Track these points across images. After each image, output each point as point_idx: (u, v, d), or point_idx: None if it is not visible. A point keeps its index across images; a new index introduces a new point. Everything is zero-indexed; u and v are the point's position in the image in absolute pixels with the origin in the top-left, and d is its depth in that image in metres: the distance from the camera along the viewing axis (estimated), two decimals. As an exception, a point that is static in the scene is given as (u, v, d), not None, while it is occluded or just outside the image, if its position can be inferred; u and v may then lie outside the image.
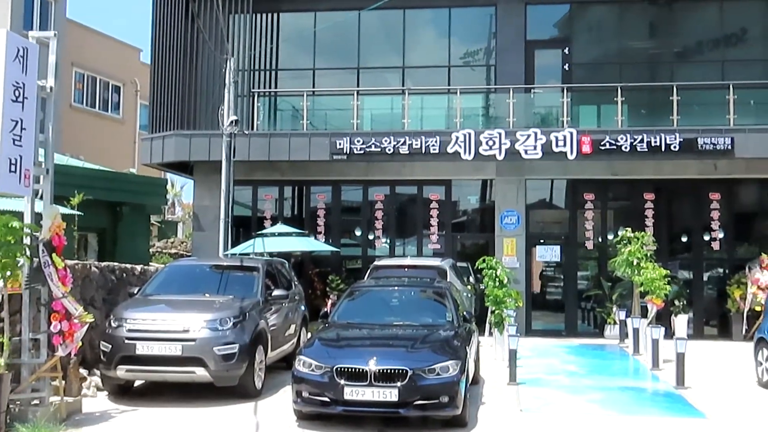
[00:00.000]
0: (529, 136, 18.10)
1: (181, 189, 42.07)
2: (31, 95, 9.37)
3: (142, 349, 10.54)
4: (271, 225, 19.53)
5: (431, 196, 20.42)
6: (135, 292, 12.23)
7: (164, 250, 27.55)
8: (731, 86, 18.57)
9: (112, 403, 10.79)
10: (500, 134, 18.18)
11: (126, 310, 11.13)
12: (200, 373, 10.62)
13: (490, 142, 18.16)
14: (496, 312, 15.32)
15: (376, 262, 16.96)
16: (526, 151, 18.11)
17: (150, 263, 19.58)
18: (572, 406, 10.88)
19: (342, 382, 9.01)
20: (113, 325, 10.87)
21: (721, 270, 19.99)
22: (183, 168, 21.31)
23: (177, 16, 20.82)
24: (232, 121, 17.46)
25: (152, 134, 20.73)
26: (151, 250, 25.35)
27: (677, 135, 17.85)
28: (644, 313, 16.39)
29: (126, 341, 10.59)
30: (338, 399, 9.03)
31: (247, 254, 15.98)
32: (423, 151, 18.41)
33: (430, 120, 20.02)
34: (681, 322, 17.66)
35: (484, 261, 15.64)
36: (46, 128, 9.93)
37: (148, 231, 25.09)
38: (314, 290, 20.04)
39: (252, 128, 19.80)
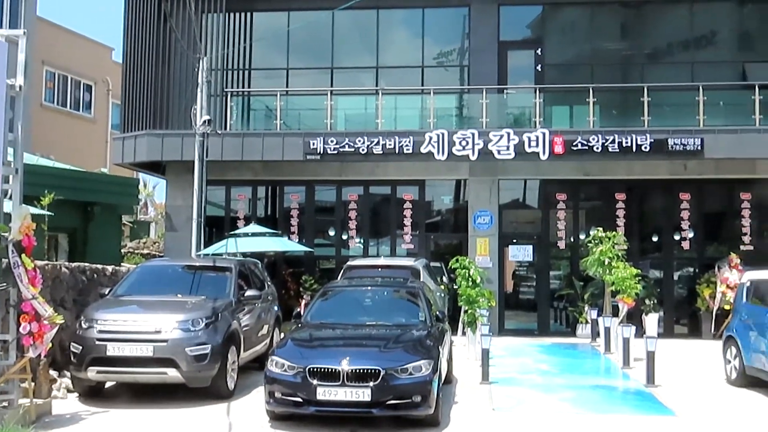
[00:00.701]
0: (502, 136, 18.20)
1: (154, 189, 41.73)
2: (0, 94, 9.25)
3: (114, 350, 10.45)
4: (245, 225, 19.43)
5: (405, 196, 20.45)
6: (106, 292, 12.12)
7: (136, 251, 27.33)
8: (701, 87, 18.79)
9: (82, 404, 10.68)
10: (473, 134, 18.26)
11: (97, 311, 11.04)
12: (172, 374, 10.56)
13: (464, 143, 18.23)
14: (469, 311, 15.39)
15: (349, 262, 16.95)
16: (499, 152, 18.21)
17: (122, 264, 19.43)
18: (544, 405, 10.96)
19: (315, 382, 9.00)
20: (84, 326, 10.77)
21: (691, 269, 20.23)
22: (155, 168, 21.16)
23: (149, 15, 20.67)
24: (205, 121, 17.38)
25: (124, 134, 20.57)
26: (122, 250, 25.15)
27: (648, 136, 18.03)
28: (615, 312, 16.55)
29: (97, 342, 10.50)
30: (311, 399, 9.03)
31: (220, 254, 15.90)
32: (397, 151, 18.44)
33: (404, 120, 20.06)
34: (651, 321, 17.85)
35: (457, 261, 15.71)
36: (15, 127, 9.81)
37: (120, 231, 24.88)
38: (288, 290, 19.98)
39: (225, 128, 19.71)
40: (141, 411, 10.38)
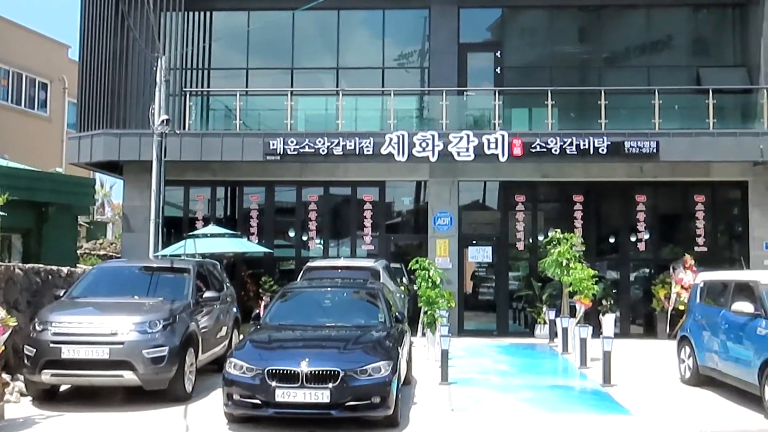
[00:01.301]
0: (461, 138, 18.30)
1: (111, 189, 41.24)
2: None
3: (68, 352, 10.29)
4: (203, 226, 19.30)
5: (365, 197, 20.46)
6: (61, 294, 11.92)
7: (93, 252, 26.94)
8: (657, 91, 19.09)
9: (36, 408, 10.52)
10: (433, 136, 18.34)
11: (51, 313, 10.86)
12: (128, 377, 10.44)
13: (424, 144, 18.30)
14: (429, 312, 15.44)
15: (309, 263, 16.90)
16: (458, 153, 18.31)
17: (77, 265, 19.13)
18: (502, 405, 11.04)
19: (273, 384, 8.97)
20: (38, 328, 10.59)
21: (647, 270, 20.52)
22: (112, 168, 20.89)
23: (106, 13, 20.38)
24: (163, 121, 17.20)
25: (80, 133, 20.26)
26: (78, 251, 24.77)
27: (605, 138, 18.27)
28: (573, 312, 16.73)
29: (51, 345, 10.33)
30: (270, 401, 9.00)
31: (178, 256, 15.74)
32: (357, 152, 18.45)
33: (365, 121, 20.06)
34: (608, 322, 18.05)
35: (417, 262, 15.74)
36: (-34, 126, 9.61)
37: (76, 232, 24.47)
38: (247, 292, 19.86)
39: (184, 128, 19.51)
40: (96, 414, 10.24)
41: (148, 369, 10.43)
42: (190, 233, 17.57)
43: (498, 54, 20.88)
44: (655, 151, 18.23)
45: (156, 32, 18.70)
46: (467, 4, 20.84)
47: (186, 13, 20.74)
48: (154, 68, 17.95)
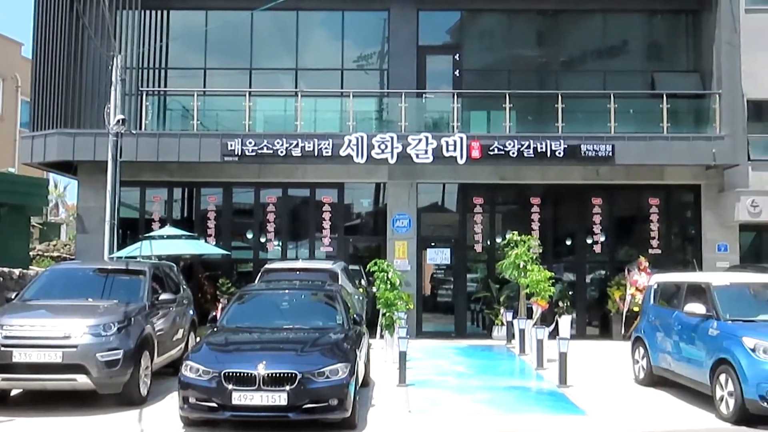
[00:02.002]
0: (420, 140, 18.35)
1: (65, 190, 40.62)
2: None
3: (20, 356, 10.11)
4: (160, 227, 19.05)
5: (324, 198, 20.41)
6: (12, 297, 11.75)
7: (46, 253, 26.47)
8: (612, 96, 19.33)
9: (-15, 413, 10.31)
10: (392, 138, 18.37)
11: (2, 316, 10.64)
12: (82, 381, 10.28)
13: (383, 146, 18.31)
14: (387, 314, 15.45)
15: (267, 265, 16.81)
16: (417, 155, 18.36)
17: (30, 267, 18.82)
18: (460, 406, 11.09)
19: (230, 387, 8.91)
20: (-12, 331, 10.36)
21: (602, 272, 20.76)
22: (66, 168, 20.52)
23: (61, 10, 20.03)
24: (118, 120, 16.98)
25: (33, 132, 19.88)
26: (31, 253, 24.33)
27: (562, 142, 18.46)
28: (530, 314, 16.88)
29: (2, 348, 10.13)
30: (226, 404, 8.94)
31: (134, 257, 15.54)
32: (316, 153, 18.40)
33: (324, 123, 19.99)
34: (564, 323, 18.26)
35: (375, 264, 15.74)
36: None
37: (28, 233, 24.05)
38: (204, 294, 19.66)
39: (140, 128, 19.29)
40: (49, 419, 10.05)
41: (102, 372, 10.28)
42: (146, 235, 17.37)
43: (457, 57, 20.98)
44: (610, 154, 18.48)
45: (112, 30, 18.46)
46: (426, 7, 20.90)
47: (142, 11, 20.47)
48: (110, 67, 17.73)
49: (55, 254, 26.67)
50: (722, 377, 10.40)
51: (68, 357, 10.16)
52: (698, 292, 11.75)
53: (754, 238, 20.78)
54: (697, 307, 11.27)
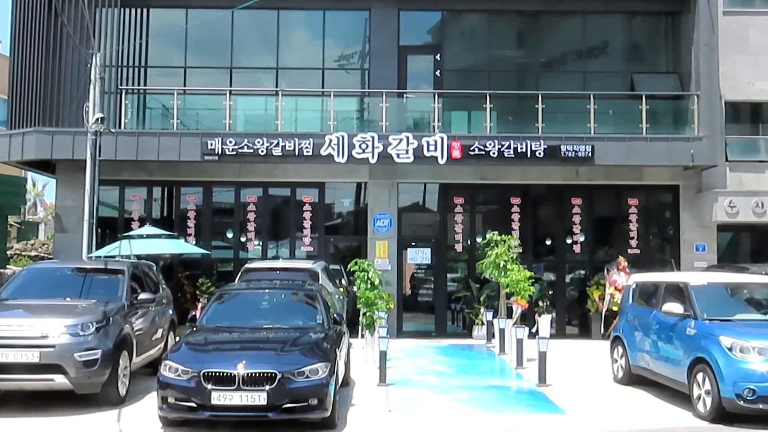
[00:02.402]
0: (401, 140, 18.37)
1: (43, 188, 40.31)
2: None
3: (-4, 356, 10.00)
4: (139, 227, 18.93)
5: (304, 198, 20.37)
6: (-11, 296, 11.60)
7: (24, 253, 26.28)
8: (592, 96, 19.47)
9: (-39, 414, 10.20)
10: (373, 138, 18.36)
11: (-21, 316, 10.53)
12: (60, 381, 10.20)
13: (363, 146, 18.31)
14: (368, 314, 15.46)
15: (247, 265, 16.77)
16: (398, 155, 18.37)
17: (7, 266, 18.65)
18: (440, 406, 11.11)
19: (209, 386, 8.87)
20: (-36, 331, 10.26)
21: (582, 272, 20.86)
22: (45, 166, 20.37)
23: (39, 8, 19.87)
24: (97, 119, 16.88)
25: (11, 130, 19.69)
26: (8, 252, 24.13)
27: (542, 142, 18.54)
28: (510, 313, 16.95)
29: (-22, 348, 10.02)
30: (205, 404, 8.90)
31: (113, 257, 15.44)
32: (296, 153, 18.36)
33: (304, 122, 19.96)
34: (544, 322, 18.33)
35: (356, 263, 15.73)
36: None
37: (6, 232, 23.86)
38: (184, 294, 19.59)
39: (119, 126, 19.16)
40: (25, 420, 9.96)
41: (80, 372, 10.21)
42: (126, 234, 17.25)
43: (438, 57, 21.02)
44: (590, 154, 18.58)
45: (91, 28, 18.35)
46: (407, 7, 20.91)
47: (122, 9, 20.37)
48: (89, 65, 17.61)
49: (33, 253, 26.49)
50: (699, 376, 10.50)
51: (46, 357, 10.08)
52: (676, 291, 11.85)
53: (732, 238, 20.99)
54: (675, 307, 11.36)
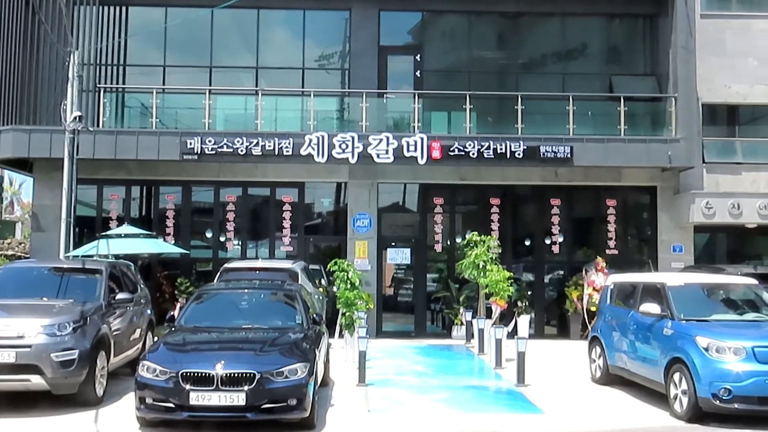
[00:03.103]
0: (381, 140, 18.37)
1: (20, 187, 39.95)
2: None
3: (-29, 356, 9.90)
4: (117, 226, 18.82)
5: (284, 198, 20.34)
6: (-36, 296, 11.47)
7: (0, 252, 26.01)
8: (571, 98, 19.58)
9: (-65, 415, 10.09)
10: (353, 138, 18.36)
11: (-47, 316, 10.43)
12: (36, 381, 10.12)
13: (343, 146, 18.30)
14: (347, 314, 15.46)
15: (226, 265, 16.71)
16: (378, 155, 18.37)
17: (-17, 265, 18.42)
18: (419, 406, 11.12)
19: (187, 387, 8.84)
20: (-62, 332, 10.14)
21: (561, 272, 20.97)
22: (22, 165, 20.20)
23: (16, 4, 19.70)
24: (75, 117, 16.74)
25: (-13, 128, 19.50)
26: (-16, 251, 23.87)
27: (521, 143, 18.61)
28: (489, 314, 17.00)
29: (-48, 349, 9.92)
30: (183, 404, 8.87)
31: (91, 256, 15.33)
32: (276, 152, 18.32)
33: (284, 122, 19.91)
34: (523, 323, 18.42)
35: (336, 263, 15.72)
36: None
37: (-18, 231, 23.61)
38: (162, 293, 19.50)
39: (97, 125, 19.02)
40: (0, 420, 9.86)
41: (56, 373, 10.13)
42: (104, 233, 17.12)
43: (418, 57, 21.06)
44: (569, 156, 18.68)
45: (69, 26, 18.19)
46: (388, 7, 20.93)
47: (100, 6, 20.24)
48: (67, 63, 17.44)
49: (10, 253, 26.24)
50: (676, 376, 10.58)
51: (22, 357, 9.99)
52: (653, 292, 11.94)
53: (709, 239, 21.18)
54: (652, 307, 11.45)
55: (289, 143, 18.30)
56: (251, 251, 20.38)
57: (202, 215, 20.97)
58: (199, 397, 8.82)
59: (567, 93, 19.95)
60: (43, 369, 10.06)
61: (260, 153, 18.32)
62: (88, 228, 19.77)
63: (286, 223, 20.20)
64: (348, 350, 15.24)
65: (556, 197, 20.61)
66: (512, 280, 16.99)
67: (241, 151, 18.27)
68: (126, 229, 17.32)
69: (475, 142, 18.56)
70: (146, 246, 17.34)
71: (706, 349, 10.18)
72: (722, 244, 21.50)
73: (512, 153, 18.54)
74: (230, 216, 20.28)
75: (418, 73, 20.94)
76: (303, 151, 18.29)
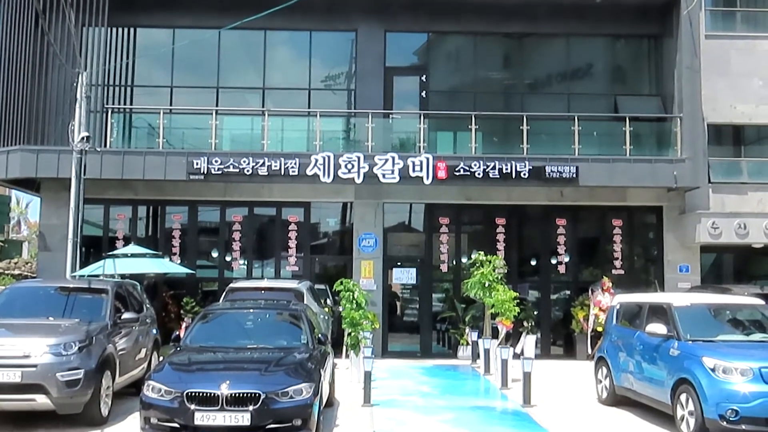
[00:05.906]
0: (386, 160, 18.42)
1: (27, 207, 40.09)
2: None
3: (-23, 376, 9.91)
4: (124, 246, 18.88)
5: (290, 217, 20.37)
6: (-29, 315, 11.48)
7: (7, 271, 26.09)
8: (576, 118, 19.61)
9: (-59, 434, 10.09)
10: (359, 158, 18.41)
11: (-40, 335, 10.44)
12: (41, 401, 10.10)
13: (349, 166, 18.35)
14: (353, 334, 15.43)
15: (231, 285, 16.73)
16: (383, 175, 18.41)
17: (-10, 285, 18.49)
18: (424, 427, 11.07)
19: (192, 407, 8.83)
20: (-55, 351, 10.16)
21: (567, 292, 20.92)
22: (29, 185, 20.28)
23: (25, 26, 19.89)
24: (83, 137, 16.83)
25: (-5, 148, 19.63)
26: (-9, 270, 23.95)
27: (527, 163, 18.64)
28: (495, 334, 16.95)
29: (-42, 368, 9.93)
30: (188, 424, 8.85)
31: (97, 276, 15.37)
32: (282, 172, 18.37)
33: (290, 142, 19.97)
34: (529, 343, 18.31)
35: (341, 283, 15.72)
36: None
37: (-11, 250, 23.70)
38: (168, 313, 19.51)
39: (105, 145, 19.11)
40: (6, 440, 9.87)
41: (62, 392, 10.11)
42: (110, 253, 17.18)
43: (423, 78, 21.17)
44: (574, 175, 18.70)
45: (77, 47, 18.34)
46: (394, 28, 21.05)
47: (109, 28, 20.40)
48: (75, 84, 17.56)
49: (17, 272, 26.30)
50: (683, 397, 10.53)
51: (28, 377, 9.99)
52: (660, 312, 11.90)
53: (715, 259, 21.12)
54: (658, 328, 11.42)
55: (295, 163, 18.35)
56: (257, 271, 20.40)
57: (208, 235, 21.01)
58: (204, 417, 8.80)
59: (572, 113, 19.99)
60: (49, 388, 10.05)
61: (266, 173, 18.37)
62: (95, 248, 19.82)
63: (292, 243, 20.22)
64: (353, 370, 15.21)
65: (562, 217, 20.59)
66: (518, 300, 16.96)
67: (248, 171, 18.33)
68: (132, 248, 17.37)
69: (481, 162, 18.59)
70: (152, 266, 17.38)
71: (713, 370, 10.12)
72: (729, 264, 21.43)
73: (518, 173, 18.55)
74: (236, 236, 20.32)
75: (423, 94, 21.03)
76: (309, 171, 18.34)
